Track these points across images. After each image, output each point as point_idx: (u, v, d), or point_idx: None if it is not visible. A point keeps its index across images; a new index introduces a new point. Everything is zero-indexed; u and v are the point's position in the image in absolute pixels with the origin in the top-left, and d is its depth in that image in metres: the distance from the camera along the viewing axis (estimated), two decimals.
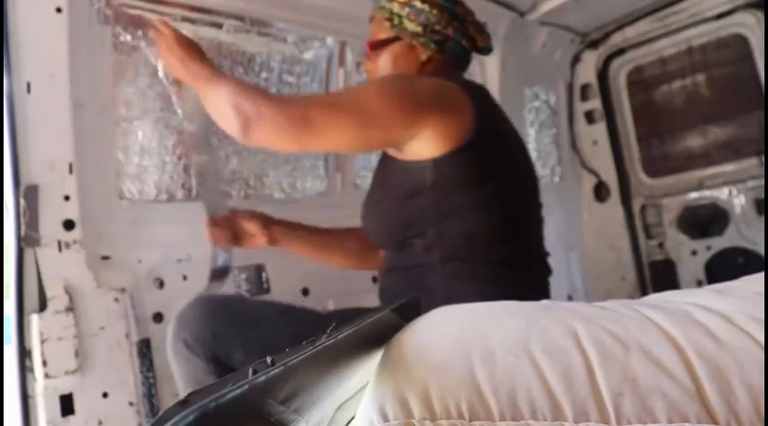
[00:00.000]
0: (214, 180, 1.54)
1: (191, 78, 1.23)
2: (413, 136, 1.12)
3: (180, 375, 1.13)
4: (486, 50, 1.37)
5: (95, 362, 1.32)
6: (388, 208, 1.26)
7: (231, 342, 1.08)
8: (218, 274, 1.41)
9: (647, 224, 2.87)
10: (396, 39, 1.30)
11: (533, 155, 2.78)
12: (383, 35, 1.32)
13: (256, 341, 1.09)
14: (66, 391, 1.27)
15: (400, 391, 0.58)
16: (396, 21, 1.29)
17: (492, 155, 1.17)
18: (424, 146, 1.14)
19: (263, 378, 0.46)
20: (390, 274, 1.27)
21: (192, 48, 1.25)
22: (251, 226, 1.42)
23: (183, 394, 1.14)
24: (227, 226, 1.41)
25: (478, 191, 1.15)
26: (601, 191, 2.97)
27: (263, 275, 1.70)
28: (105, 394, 1.33)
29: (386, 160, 1.28)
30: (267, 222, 1.44)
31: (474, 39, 1.33)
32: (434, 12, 1.27)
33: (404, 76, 1.25)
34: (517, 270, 1.19)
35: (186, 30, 1.64)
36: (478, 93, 1.24)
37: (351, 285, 1.74)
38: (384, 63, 1.32)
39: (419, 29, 1.28)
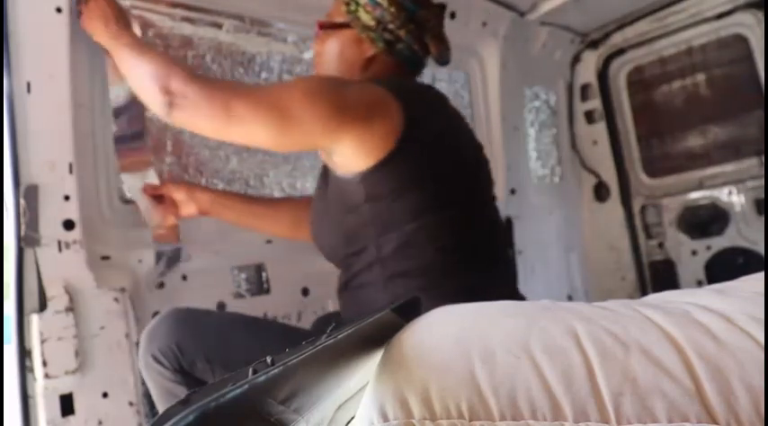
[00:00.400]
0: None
1: (112, 42, 1.18)
2: (333, 143, 1.09)
3: (152, 387, 1.14)
4: (442, 62, 1.30)
5: (95, 362, 1.32)
6: (328, 223, 1.23)
7: (194, 353, 1.09)
8: (168, 255, 1.42)
9: (646, 224, 2.87)
10: (347, 26, 1.25)
11: (533, 155, 2.78)
12: (337, 18, 1.27)
13: (218, 351, 1.10)
14: (66, 391, 1.27)
15: (400, 391, 0.58)
16: (352, 7, 1.24)
17: (424, 160, 1.12)
18: (350, 158, 1.11)
19: (263, 378, 0.46)
20: (343, 293, 1.24)
21: (120, 14, 1.21)
22: (178, 194, 1.41)
23: (158, 406, 1.16)
24: (163, 198, 1.42)
25: (413, 201, 1.11)
26: (601, 191, 2.98)
27: (263, 275, 1.70)
28: (105, 394, 1.33)
29: (325, 173, 1.24)
30: (192, 189, 1.43)
31: (427, 46, 1.26)
32: (392, 9, 1.21)
33: (333, 81, 1.16)
34: (472, 272, 1.15)
35: (186, 30, 1.64)
36: (414, 97, 1.18)
37: None
38: (331, 48, 1.28)
39: (372, 23, 1.22)
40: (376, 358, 0.67)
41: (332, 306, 1.77)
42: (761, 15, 2.40)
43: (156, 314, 1.45)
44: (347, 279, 1.21)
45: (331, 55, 1.28)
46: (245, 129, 1.06)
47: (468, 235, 1.18)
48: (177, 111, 1.06)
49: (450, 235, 1.14)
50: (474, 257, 1.17)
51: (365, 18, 1.22)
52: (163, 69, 1.08)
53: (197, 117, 1.07)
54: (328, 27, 1.28)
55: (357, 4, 1.23)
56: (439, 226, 1.12)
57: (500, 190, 2.46)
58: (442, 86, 2.37)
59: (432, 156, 1.14)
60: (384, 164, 1.09)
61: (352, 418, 0.64)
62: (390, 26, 1.22)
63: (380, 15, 1.21)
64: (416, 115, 1.12)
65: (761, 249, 2.45)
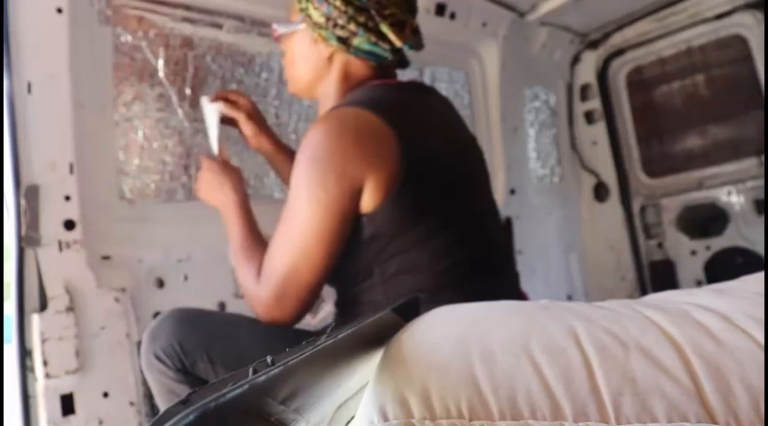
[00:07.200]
0: None
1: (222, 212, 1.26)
2: (361, 193, 1.08)
3: (154, 387, 1.14)
4: (413, 48, 1.20)
5: (96, 362, 1.32)
6: None
7: (196, 353, 1.10)
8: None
9: (646, 224, 2.87)
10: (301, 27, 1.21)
11: (533, 155, 2.78)
12: (293, 17, 1.24)
13: (219, 351, 1.10)
14: (66, 391, 1.27)
15: (400, 391, 0.58)
16: (303, 5, 1.18)
17: (423, 189, 1.10)
18: (362, 201, 1.09)
19: (263, 378, 0.46)
20: (341, 307, 1.25)
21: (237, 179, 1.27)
22: (247, 129, 1.40)
23: (160, 405, 1.17)
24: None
25: (417, 231, 1.10)
26: (600, 191, 2.98)
27: None
28: (106, 394, 1.33)
29: None
30: (261, 132, 1.41)
31: (386, 36, 1.15)
32: (337, 3, 1.13)
33: (320, 159, 1.06)
34: (475, 283, 1.14)
35: (187, 30, 1.64)
36: (401, 114, 1.11)
37: None
38: (292, 50, 1.26)
39: (321, 20, 1.16)
40: (376, 358, 0.67)
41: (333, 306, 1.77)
42: (760, 15, 2.41)
43: (156, 314, 1.46)
44: (344, 298, 1.21)
45: (294, 56, 1.26)
46: (312, 270, 1.08)
47: (469, 248, 1.16)
48: (268, 318, 1.12)
49: (452, 254, 1.12)
50: (475, 268, 1.16)
51: (315, 16, 1.17)
52: (246, 292, 1.16)
53: (281, 310, 1.11)
54: (283, 33, 1.26)
55: (307, 1, 1.18)
56: (439, 249, 1.11)
57: (500, 190, 2.47)
58: (441, 87, 2.37)
59: (428, 183, 1.11)
60: (388, 204, 1.07)
61: (352, 417, 0.64)
62: (340, 21, 1.14)
63: (328, 11, 1.15)
64: (410, 137, 1.08)
65: (760, 249, 2.45)
